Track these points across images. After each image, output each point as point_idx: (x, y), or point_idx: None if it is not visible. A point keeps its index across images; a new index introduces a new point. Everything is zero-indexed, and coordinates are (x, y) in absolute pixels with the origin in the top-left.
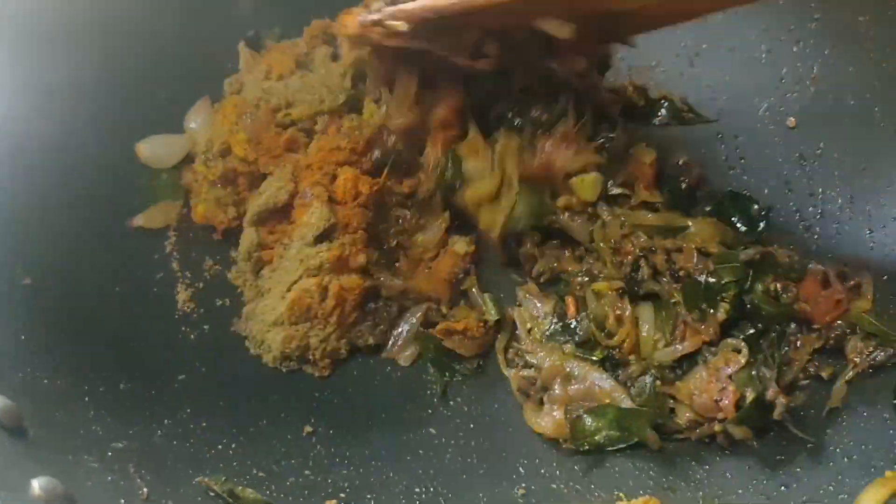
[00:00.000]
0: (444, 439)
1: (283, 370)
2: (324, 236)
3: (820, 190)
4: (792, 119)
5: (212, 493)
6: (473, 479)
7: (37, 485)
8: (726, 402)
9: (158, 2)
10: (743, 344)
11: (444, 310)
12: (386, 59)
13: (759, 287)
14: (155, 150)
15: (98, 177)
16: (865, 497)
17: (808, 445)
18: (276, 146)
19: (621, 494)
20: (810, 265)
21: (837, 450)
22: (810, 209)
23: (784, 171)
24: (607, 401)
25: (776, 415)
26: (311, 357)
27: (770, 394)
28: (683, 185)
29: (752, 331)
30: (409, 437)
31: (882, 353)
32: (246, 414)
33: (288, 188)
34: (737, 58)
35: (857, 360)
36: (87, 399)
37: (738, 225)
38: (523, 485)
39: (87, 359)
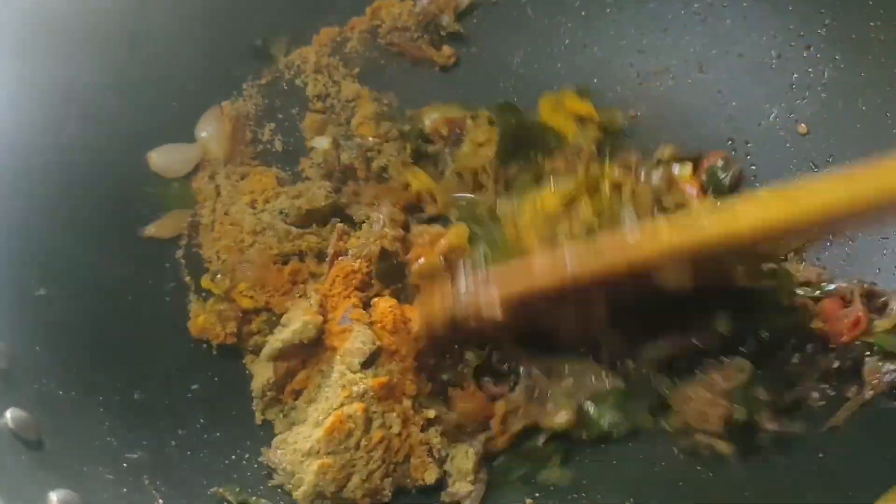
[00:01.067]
0: None
1: None
2: (368, 362)
3: None
4: (803, 125)
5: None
6: None
7: (55, 497)
8: (715, 415)
9: (167, 8)
10: (748, 364)
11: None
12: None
13: (771, 298)
14: (166, 159)
15: (109, 186)
16: None
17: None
18: (283, 283)
19: None
20: (832, 285)
21: (844, 466)
22: None
23: (796, 178)
24: None
25: (760, 439)
26: (349, 496)
27: (762, 417)
28: (727, 183)
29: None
30: None
31: None
32: (259, 424)
33: (316, 322)
34: (746, 63)
35: (875, 381)
36: (101, 410)
37: None
38: None
39: (100, 370)
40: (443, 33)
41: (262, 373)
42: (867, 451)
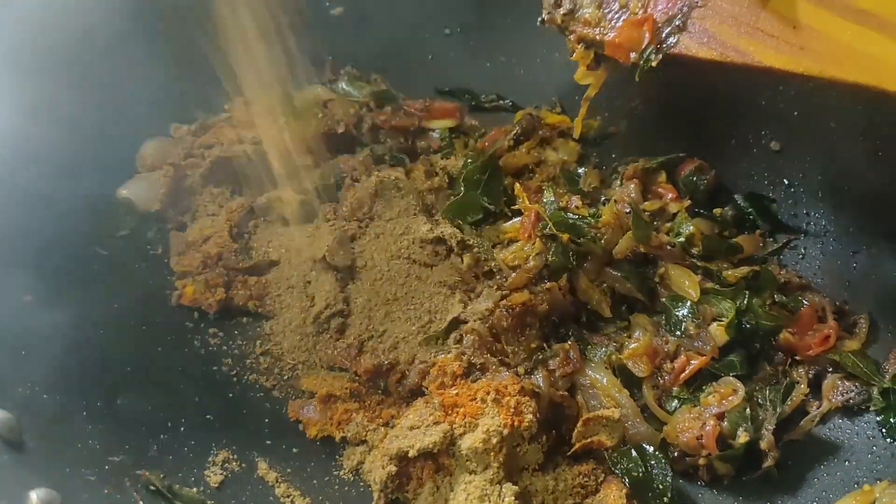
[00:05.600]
0: None
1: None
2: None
3: (804, 212)
4: (776, 143)
5: (152, 488)
6: None
7: (35, 496)
8: (706, 439)
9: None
10: (739, 384)
11: None
12: None
13: (756, 302)
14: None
15: (94, 193)
16: None
17: (789, 462)
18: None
19: None
20: (807, 297)
21: (821, 466)
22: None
23: (770, 194)
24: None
25: (765, 465)
26: None
27: (765, 444)
28: (702, 187)
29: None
30: None
31: (857, 396)
32: (237, 430)
33: (444, 428)
34: None
35: (831, 398)
36: (84, 414)
37: (761, 225)
38: None
39: (84, 376)
40: None
41: (382, 474)
42: (821, 462)
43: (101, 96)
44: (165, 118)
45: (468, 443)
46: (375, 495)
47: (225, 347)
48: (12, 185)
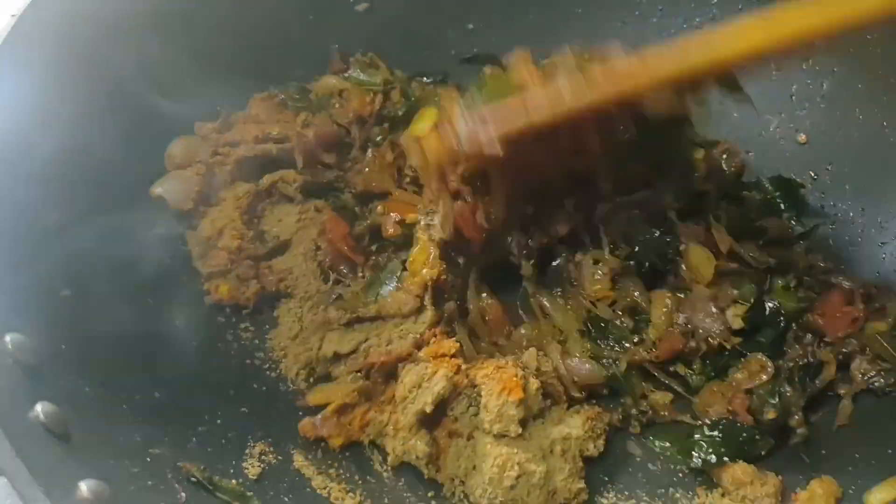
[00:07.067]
0: None
1: None
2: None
3: (832, 203)
4: (803, 135)
5: (193, 479)
6: None
7: (84, 487)
8: (739, 410)
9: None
10: (768, 361)
11: None
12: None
13: (780, 283)
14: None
15: (131, 186)
16: (875, 492)
17: (822, 452)
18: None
19: None
20: (838, 279)
21: (856, 455)
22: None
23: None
24: None
25: (792, 441)
26: None
27: (794, 421)
28: (728, 172)
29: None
30: None
31: (882, 380)
32: (272, 422)
33: (444, 373)
34: (747, 76)
35: (859, 378)
36: (125, 407)
37: (787, 209)
38: None
39: (123, 369)
40: None
41: (417, 448)
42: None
43: (129, 90)
44: (190, 115)
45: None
46: (425, 471)
47: (257, 341)
48: (46, 181)
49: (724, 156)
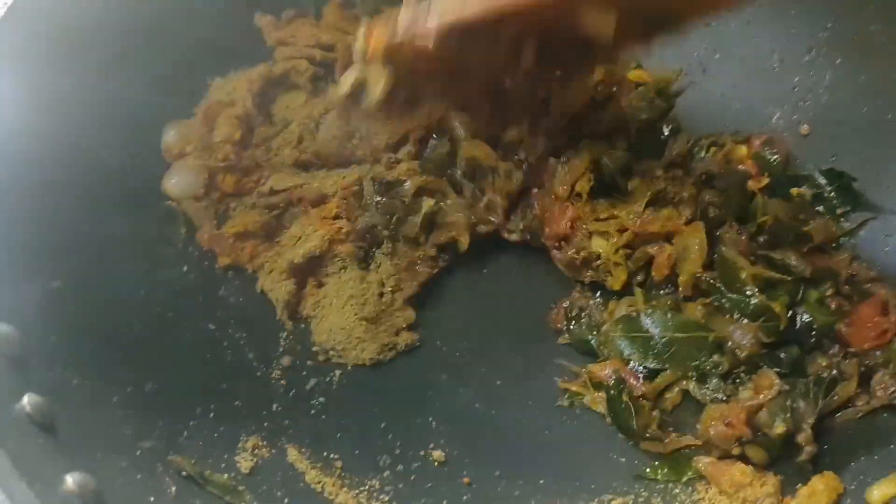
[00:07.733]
0: None
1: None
2: None
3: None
4: (805, 126)
5: (184, 473)
6: None
7: (70, 480)
8: (736, 422)
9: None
10: (776, 376)
11: None
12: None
13: (814, 294)
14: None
15: (123, 180)
16: (876, 488)
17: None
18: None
19: None
20: (875, 289)
21: (860, 449)
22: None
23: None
24: None
25: (799, 459)
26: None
27: (801, 438)
28: (775, 162)
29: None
30: None
31: None
32: (265, 417)
33: (321, 234)
34: (749, 67)
35: (880, 393)
36: (115, 399)
37: (840, 204)
38: None
39: (113, 361)
40: None
41: (283, 290)
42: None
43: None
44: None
45: None
46: (279, 312)
47: (252, 336)
48: (30, 169)
49: (766, 148)
